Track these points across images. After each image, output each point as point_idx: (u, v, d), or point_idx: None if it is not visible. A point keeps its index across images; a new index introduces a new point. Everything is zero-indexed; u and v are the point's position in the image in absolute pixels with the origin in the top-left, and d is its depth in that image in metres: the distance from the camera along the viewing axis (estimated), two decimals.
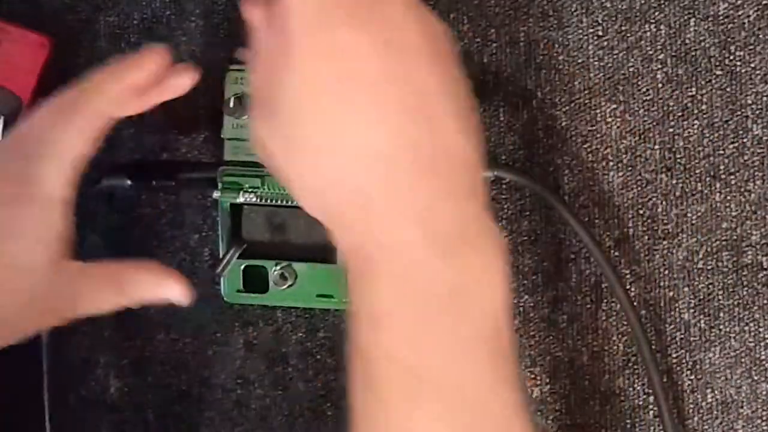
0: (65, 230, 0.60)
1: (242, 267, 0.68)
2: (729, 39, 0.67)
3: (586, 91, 0.68)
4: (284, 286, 0.68)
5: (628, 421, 0.69)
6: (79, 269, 0.62)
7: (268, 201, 0.66)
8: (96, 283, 0.62)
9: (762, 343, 0.68)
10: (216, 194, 0.67)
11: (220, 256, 0.68)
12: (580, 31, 0.68)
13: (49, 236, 0.60)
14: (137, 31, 0.70)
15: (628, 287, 0.68)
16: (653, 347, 0.68)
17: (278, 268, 0.68)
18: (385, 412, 0.48)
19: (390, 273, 0.48)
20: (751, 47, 0.67)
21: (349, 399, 0.50)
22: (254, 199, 0.66)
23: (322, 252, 0.67)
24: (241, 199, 0.67)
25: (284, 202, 0.66)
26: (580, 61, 0.68)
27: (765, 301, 0.68)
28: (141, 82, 0.61)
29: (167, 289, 0.63)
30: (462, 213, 0.49)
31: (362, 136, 0.49)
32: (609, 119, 0.68)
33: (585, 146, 0.68)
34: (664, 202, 0.68)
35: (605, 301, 0.69)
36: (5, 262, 0.59)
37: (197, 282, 0.71)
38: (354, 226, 0.50)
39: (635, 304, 0.68)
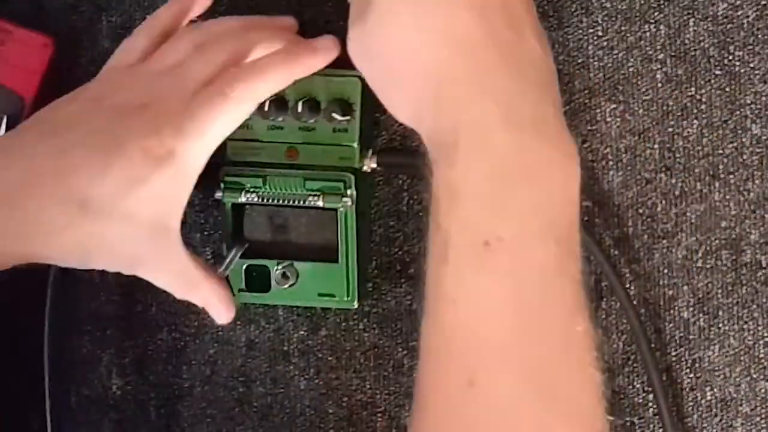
0: (185, 205, 0.61)
1: (244, 266, 0.68)
2: (728, 39, 0.67)
3: (586, 91, 0.68)
4: (286, 285, 0.68)
5: (628, 419, 0.69)
6: (186, 254, 0.63)
7: (270, 201, 0.67)
8: (183, 269, 0.63)
9: (761, 342, 0.68)
10: (218, 194, 0.67)
11: (223, 255, 0.68)
12: (580, 31, 0.68)
13: (171, 206, 0.61)
14: None
15: (627, 286, 0.69)
16: (653, 345, 0.68)
17: (280, 267, 0.68)
18: (455, 278, 0.51)
19: (468, 147, 0.51)
20: (750, 47, 0.67)
21: (422, 281, 0.52)
22: (256, 199, 0.67)
23: (324, 252, 0.68)
24: (243, 199, 0.67)
25: (286, 202, 0.66)
26: (580, 61, 0.68)
27: (764, 300, 0.68)
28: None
29: (214, 310, 0.66)
30: (537, 107, 0.53)
31: (448, 19, 0.52)
32: (609, 119, 0.68)
33: (585, 146, 0.69)
34: (663, 202, 0.68)
35: (605, 299, 0.69)
36: (123, 212, 0.60)
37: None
38: (439, 107, 0.53)
39: (635, 303, 0.68)
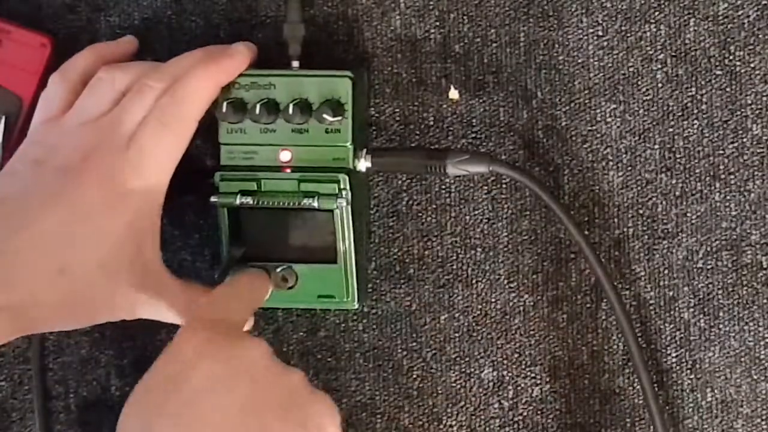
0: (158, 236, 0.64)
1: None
2: (729, 39, 0.67)
3: (586, 91, 0.68)
4: (285, 288, 0.68)
5: (628, 420, 0.69)
6: (175, 281, 0.65)
7: (266, 204, 0.66)
8: (179, 298, 0.66)
9: (761, 343, 0.68)
10: (214, 198, 0.67)
11: (221, 258, 0.68)
12: (580, 31, 0.68)
13: (144, 239, 0.63)
14: (138, 31, 0.70)
15: (628, 287, 0.68)
16: (653, 347, 0.68)
17: (279, 270, 0.68)
18: None
19: None
20: (751, 47, 0.67)
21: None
22: (251, 203, 0.66)
23: (322, 253, 0.67)
24: (237, 203, 0.66)
25: (282, 205, 0.66)
26: (580, 61, 0.68)
27: (764, 301, 0.68)
28: None
29: None
30: None
31: None
32: (609, 119, 0.68)
33: (585, 146, 0.68)
34: (663, 202, 0.68)
35: (605, 300, 0.69)
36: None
37: (198, 282, 0.71)
38: None
39: (634, 303, 0.68)
